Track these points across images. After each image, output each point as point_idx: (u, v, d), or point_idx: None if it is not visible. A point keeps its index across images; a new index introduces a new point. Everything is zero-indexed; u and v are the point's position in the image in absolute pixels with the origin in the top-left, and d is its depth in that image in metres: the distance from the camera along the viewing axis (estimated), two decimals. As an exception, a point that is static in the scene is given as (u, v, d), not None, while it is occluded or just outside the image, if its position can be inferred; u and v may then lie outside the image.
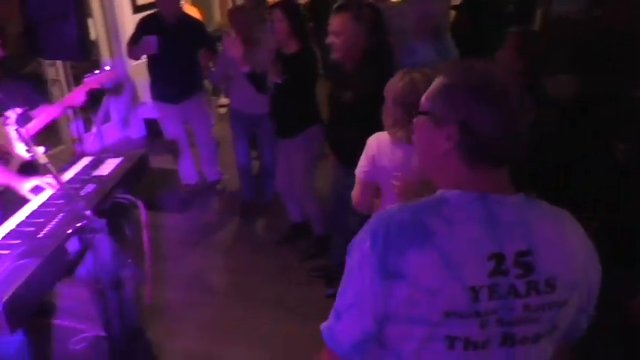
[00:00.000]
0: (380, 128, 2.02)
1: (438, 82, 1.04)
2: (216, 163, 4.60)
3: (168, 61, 3.97)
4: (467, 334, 0.95)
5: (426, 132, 1.06)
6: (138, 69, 5.72)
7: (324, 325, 1.06)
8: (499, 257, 0.95)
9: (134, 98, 5.86)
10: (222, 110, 5.96)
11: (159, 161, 5.00)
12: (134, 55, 4.16)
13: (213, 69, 4.18)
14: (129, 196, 2.29)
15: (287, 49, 3.16)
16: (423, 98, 1.06)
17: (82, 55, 3.66)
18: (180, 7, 4.21)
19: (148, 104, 5.81)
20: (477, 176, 1.00)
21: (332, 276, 3.15)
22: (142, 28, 4.00)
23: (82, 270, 2.09)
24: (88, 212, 1.81)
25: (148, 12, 4.23)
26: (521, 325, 0.98)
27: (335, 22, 2.54)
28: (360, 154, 2.03)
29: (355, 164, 2.08)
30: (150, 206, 4.25)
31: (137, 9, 5.61)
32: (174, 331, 2.96)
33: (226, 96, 4.36)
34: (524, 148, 1.00)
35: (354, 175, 2.10)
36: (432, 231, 0.94)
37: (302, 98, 3.21)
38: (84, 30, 3.66)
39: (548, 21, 5.05)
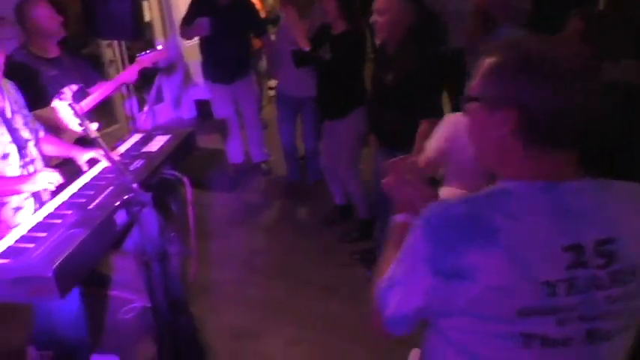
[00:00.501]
0: (421, 110, 1.96)
1: (487, 62, 0.95)
2: (263, 144, 4.64)
3: (220, 41, 4.01)
4: (544, 332, 0.90)
5: (479, 119, 0.97)
6: (191, 50, 5.83)
7: (379, 284, 1.02)
8: (577, 249, 0.88)
9: (186, 79, 5.99)
10: (272, 92, 6.01)
11: (208, 141, 5.11)
12: (187, 35, 4.23)
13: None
14: (175, 173, 2.32)
15: (335, 29, 3.12)
16: (473, 83, 0.98)
17: (135, 35, 3.77)
18: None
19: (199, 85, 5.93)
20: (539, 163, 0.92)
21: (374, 260, 3.13)
22: (195, 8, 4.06)
23: (130, 242, 2.15)
24: (135, 185, 1.86)
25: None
26: (606, 320, 0.91)
27: (379, 0, 2.49)
28: (401, 136, 1.98)
29: (396, 146, 2.04)
30: (197, 185, 4.35)
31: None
32: (218, 307, 3.03)
33: (275, 78, 4.38)
34: (591, 130, 0.91)
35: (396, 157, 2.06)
36: (495, 227, 0.88)
37: (348, 79, 3.18)
38: (137, 11, 3.77)
39: (613, 2, 4.75)
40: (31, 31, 2.82)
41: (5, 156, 2.13)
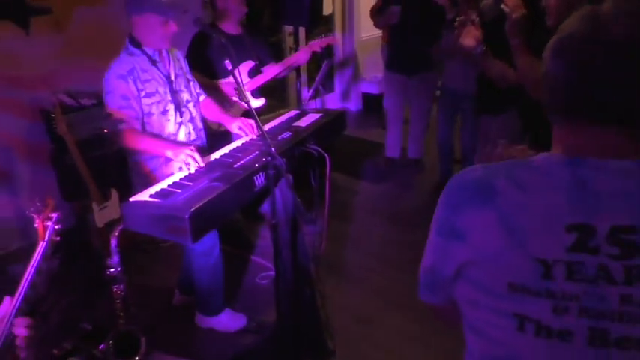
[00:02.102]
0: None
1: None
2: (422, 142, 4.56)
3: (406, 32, 4.01)
4: (539, 317, 0.80)
5: None
6: (364, 45, 6.00)
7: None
8: (584, 230, 0.78)
9: (356, 73, 6.16)
10: (437, 92, 5.88)
11: (368, 134, 5.21)
12: (378, 23, 4.26)
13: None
14: (318, 148, 2.40)
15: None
16: None
17: (310, 23, 3.97)
18: None
19: (368, 80, 6.07)
20: (570, 136, 0.85)
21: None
22: None
23: (266, 206, 2.29)
24: (272, 150, 1.97)
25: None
26: (619, 322, 0.76)
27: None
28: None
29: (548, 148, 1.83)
30: (349, 172, 4.49)
31: (374, -13, 5.82)
32: (343, 288, 3.08)
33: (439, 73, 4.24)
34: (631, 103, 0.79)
35: None
36: (495, 191, 0.85)
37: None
38: (316, 1, 3.96)
39: None
40: (220, 12, 3.17)
41: (165, 112, 2.43)
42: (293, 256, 2.44)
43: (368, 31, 5.72)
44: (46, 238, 1.39)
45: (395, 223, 3.82)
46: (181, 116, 2.49)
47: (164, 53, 2.47)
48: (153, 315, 2.87)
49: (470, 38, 2.58)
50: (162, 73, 2.43)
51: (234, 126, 2.55)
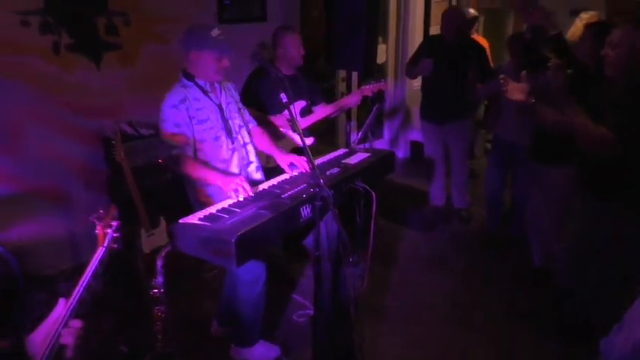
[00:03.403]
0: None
1: None
2: (466, 190, 4.50)
3: (439, 81, 4.08)
4: None
5: None
6: (415, 94, 6.05)
7: None
8: None
9: (406, 121, 6.21)
10: (488, 145, 5.83)
11: (415, 181, 5.19)
12: (411, 74, 4.38)
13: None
14: (365, 185, 2.41)
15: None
16: None
17: (364, 69, 4.05)
18: (463, 31, 4.25)
19: (417, 128, 6.09)
20: None
21: (572, 335, 2.74)
22: (423, 48, 4.22)
23: (310, 239, 2.30)
24: (321, 181, 1.99)
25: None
26: None
27: (616, 33, 2.23)
28: (620, 189, 1.71)
29: (614, 200, 1.76)
30: (394, 219, 4.45)
31: (428, 38, 5.95)
32: (383, 334, 2.99)
33: (489, 124, 4.22)
34: None
35: (614, 214, 1.79)
36: None
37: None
38: (371, 49, 4.06)
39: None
40: (279, 53, 3.31)
41: (217, 138, 2.54)
42: (333, 292, 2.41)
43: (419, 81, 5.77)
44: (105, 244, 1.45)
45: (438, 272, 3.73)
46: (233, 142, 2.59)
47: (215, 84, 2.61)
48: (189, 342, 2.87)
49: (518, 92, 2.59)
50: (214, 102, 2.56)
51: (286, 162, 2.60)
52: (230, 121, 2.60)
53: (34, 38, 3.17)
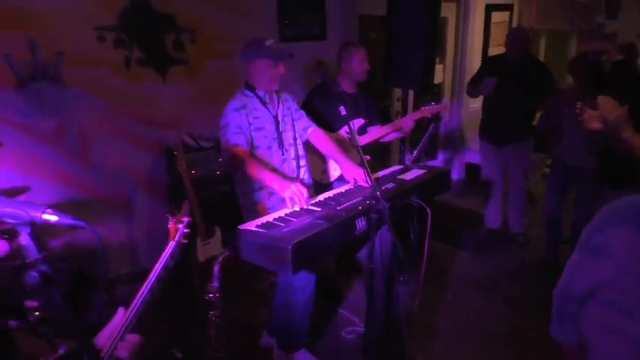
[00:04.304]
0: None
1: None
2: (525, 214, 4.37)
3: (501, 101, 4.01)
4: None
5: None
6: (471, 115, 5.98)
7: None
8: None
9: (461, 142, 6.12)
10: (547, 170, 5.65)
11: (470, 203, 5.08)
12: (472, 93, 4.31)
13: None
14: (420, 202, 2.39)
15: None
16: None
17: (421, 87, 4.05)
18: (528, 50, 4.16)
19: (472, 150, 5.99)
20: None
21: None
22: (486, 67, 4.16)
23: (364, 252, 2.29)
24: (377, 193, 1.99)
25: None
26: None
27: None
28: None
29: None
30: (448, 241, 4.36)
31: (487, 59, 5.88)
32: (434, 355, 2.92)
33: (548, 147, 4.09)
34: None
35: None
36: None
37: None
38: (428, 68, 4.05)
39: None
40: (343, 70, 3.35)
41: (269, 147, 2.64)
42: (385, 308, 2.39)
43: (477, 102, 5.70)
44: (176, 239, 1.51)
45: (491, 296, 3.61)
46: (283, 154, 2.67)
47: (274, 96, 2.71)
48: (240, 348, 2.91)
49: (595, 121, 2.52)
50: (271, 114, 2.66)
51: (350, 174, 2.62)
52: (284, 134, 2.69)
53: (108, 52, 3.38)
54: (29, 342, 1.30)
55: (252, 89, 2.65)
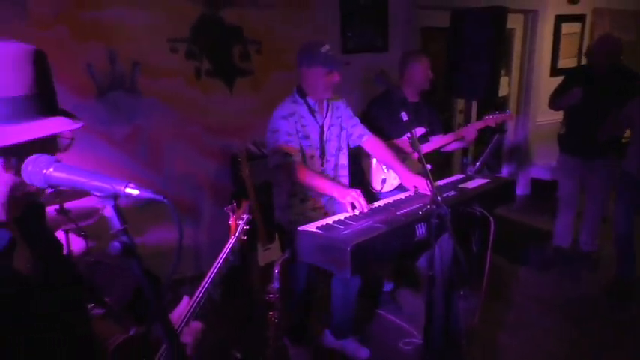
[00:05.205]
0: None
1: None
2: (597, 234, 4.14)
3: (586, 113, 3.80)
4: None
5: None
6: (539, 130, 5.79)
7: None
8: None
9: (526, 157, 5.92)
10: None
11: (535, 220, 4.91)
12: (556, 104, 4.06)
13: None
14: (483, 210, 2.34)
15: None
16: None
17: (485, 99, 3.98)
18: (618, 59, 3.93)
19: (538, 166, 5.79)
20: None
21: None
22: (570, 78, 3.97)
23: (423, 259, 2.27)
24: (439, 198, 1.97)
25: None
26: None
27: None
28: None
29: None
30: (512, 258, 4.22)
31: (555, 72, 5.69)
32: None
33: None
34: None
35: None
36: None
37: None
38: (493, 78, 3.99)
39: None
40: (406, 78, 3.36)
41: (312, 156, 2.66)
42: (445, 319, 2.34)
43: (544, 116, 5.53)
44: (236, 234, 1.57)
45: (558, 315, 3.45)
46: (323, 165, 2.70)
47: (324, 104, 2.71)
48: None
49: None
50: (317, 123, 2.67)
51: (410, 182, 2.62)
52: (327, 144, 2.70)
53: (181, 64, 3.55)
54: (101, 325, 1.38)
55: (304, 95, 2.65)
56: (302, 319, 3.01)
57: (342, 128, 2.81)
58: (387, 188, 3.25)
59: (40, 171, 0.86)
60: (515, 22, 5.56)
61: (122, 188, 0.83)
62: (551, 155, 5.17)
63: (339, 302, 2.78)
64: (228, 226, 1.65)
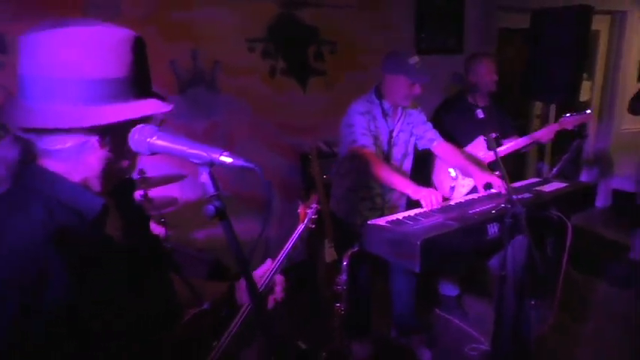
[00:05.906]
0: None
1: None
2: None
3: None
4: None
5: None
6: (623, 137, 5.47)
7: None
8: None
9: (607, 167, 5.61)
10: None
11: (615, 233, 4.66)
12: (636, 110, 3.90)
13: None
14: (560, 214, 2.25)
15: None
16: None
17: (564, 102, 3.81)
18: None
19: (621, 176, 5.47)
20: None
21: None
22: None
23: (495, 260, 2.22)
24: (514, 197, 1.92)
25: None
26: None
27: None
28: None
29: None
30: (590, 270, 4.02)
31: (643, 77, 5.38)
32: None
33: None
34: None
35: None
36: None
37: None
38: (574, 82, 3.82)
39: None
40: (470, 81, 3.30)
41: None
42: (514, 324, 2.26)
43: (630, 123, 5.23)
44: (304, 222, 1.62)
45: (634, 333, 3.24)
46: None
47: (398, 110, 2.71)
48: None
49: None
50: (388, 127, 2.67)
51: (482, 181, 2.57)
52: (393, 148, 2.70)
53: (257, 62, 3.67)
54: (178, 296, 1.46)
55: (380, 97, 2.66)
56: (366, 314, 3.02)
57: (412, 134, 2.80)
58: (456, 195, 3.20)
59: (145, 139, 0.93)
60: (600, 24, 5.29)
61: (217, 156, 0.89)
62: (635, 165, 4.88)
63: (398, 299, 2.83)
64: (297, 215, 1.70)
